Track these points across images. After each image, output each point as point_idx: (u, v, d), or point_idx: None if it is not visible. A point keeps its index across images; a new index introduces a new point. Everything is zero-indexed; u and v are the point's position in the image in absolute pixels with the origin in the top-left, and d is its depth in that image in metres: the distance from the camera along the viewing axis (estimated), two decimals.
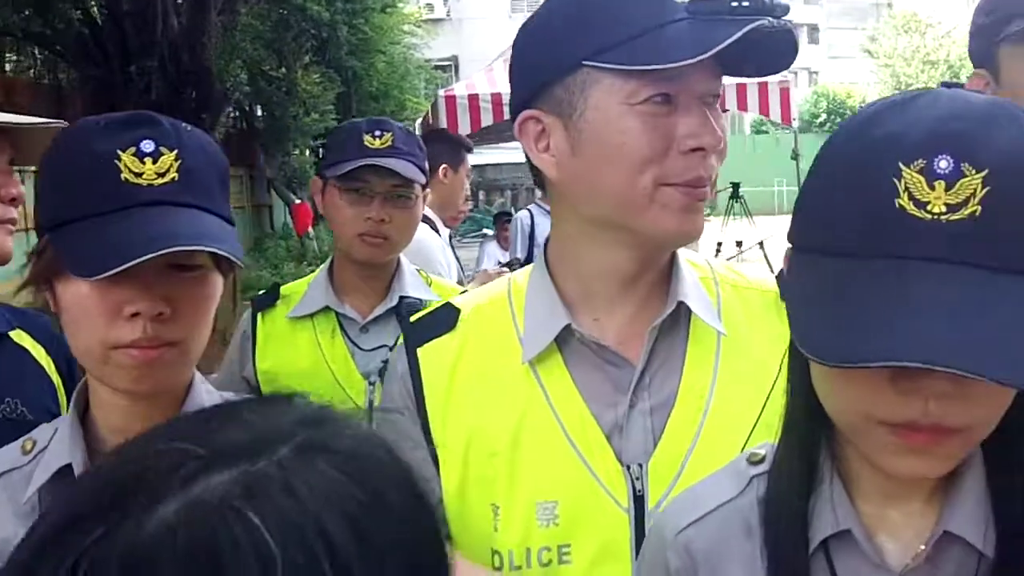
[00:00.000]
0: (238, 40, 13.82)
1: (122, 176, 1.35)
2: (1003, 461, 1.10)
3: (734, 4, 1.33)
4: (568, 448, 1.45)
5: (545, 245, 1.58)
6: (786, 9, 1.33)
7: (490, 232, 12.07)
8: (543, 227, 7.93)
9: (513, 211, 11.29)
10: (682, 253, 1.56)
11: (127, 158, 1.36)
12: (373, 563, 0.66)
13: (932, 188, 0.95)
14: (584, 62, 1.39)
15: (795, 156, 13.80)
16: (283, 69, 17.05)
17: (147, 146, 1.37)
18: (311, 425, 0.72)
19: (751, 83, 11.16)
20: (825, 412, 1.11)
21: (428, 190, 2.77)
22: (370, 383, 2.51)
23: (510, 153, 20.13)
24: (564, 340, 1.49)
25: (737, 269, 1.63)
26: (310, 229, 17.38)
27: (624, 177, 1.39)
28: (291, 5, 15.68)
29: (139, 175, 1.36)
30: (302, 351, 2.56)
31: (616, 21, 1.38)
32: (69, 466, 1.39)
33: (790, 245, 1.11)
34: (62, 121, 1.84)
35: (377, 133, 2.57)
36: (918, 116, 0.99)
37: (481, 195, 29.36)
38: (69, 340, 1.42)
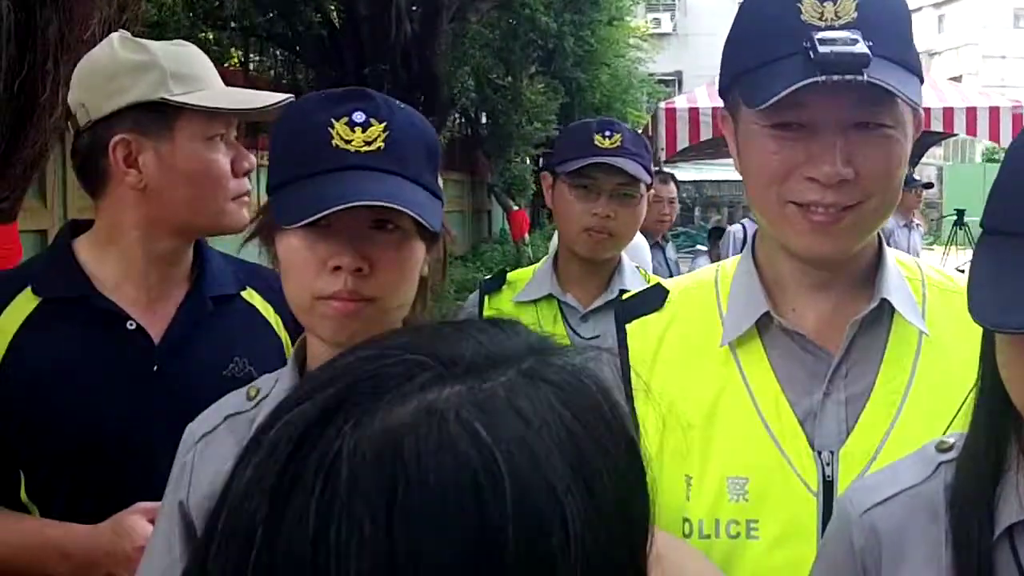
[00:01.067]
0: (467, 48, 14.13)
1: (333, 142, 1.45)
2: None
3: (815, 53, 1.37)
4: (762, 429, 1.51)
5: (755, 237, 1.64)
6: (864, 62, 1.36)
7: (703, 248, 12.00)
8: None
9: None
10: (891, 251, 1.60)
11: (339, 126, 1.46)
12: (597, 517, 0.66)
13: None
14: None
15: None
16: (509, 78, 17.32)
17: (358, 117, 1.47)
18: (537, 353, 0.73)
19: (981, 108, 10.77)
20: (1013, 403, 1.12)
21: (653, 191, 2.90)
22: None
23: (729, 170, 19.92)
24: (764, 327, 1.55)
25: (947, 273, 1.65)
26: (526, 235, 17.61)
27: (755, 192, 1.52)
28: (520, 15, 15.90)
29: (348, 142, 1.46)
30: None
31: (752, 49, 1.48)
32: None
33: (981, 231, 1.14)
34: (290, 96, 2.00)
35: (607, 133, 2.69)
36: None
37: (697, 211, 29.13)
38: (284, 289, 1.54)
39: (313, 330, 1.51)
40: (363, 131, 1.46)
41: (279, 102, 1.98)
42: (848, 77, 1.35)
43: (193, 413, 1.68)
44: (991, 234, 1.10)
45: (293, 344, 2.16)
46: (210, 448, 1.56)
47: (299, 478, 0.64)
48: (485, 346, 0.72)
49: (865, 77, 1.35)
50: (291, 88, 13.26)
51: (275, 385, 1.58)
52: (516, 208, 18.02)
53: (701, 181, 25.23)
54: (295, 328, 2.16)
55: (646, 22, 26.34)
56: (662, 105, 11.21)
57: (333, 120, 1.46)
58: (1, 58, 3.81)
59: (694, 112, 10.65)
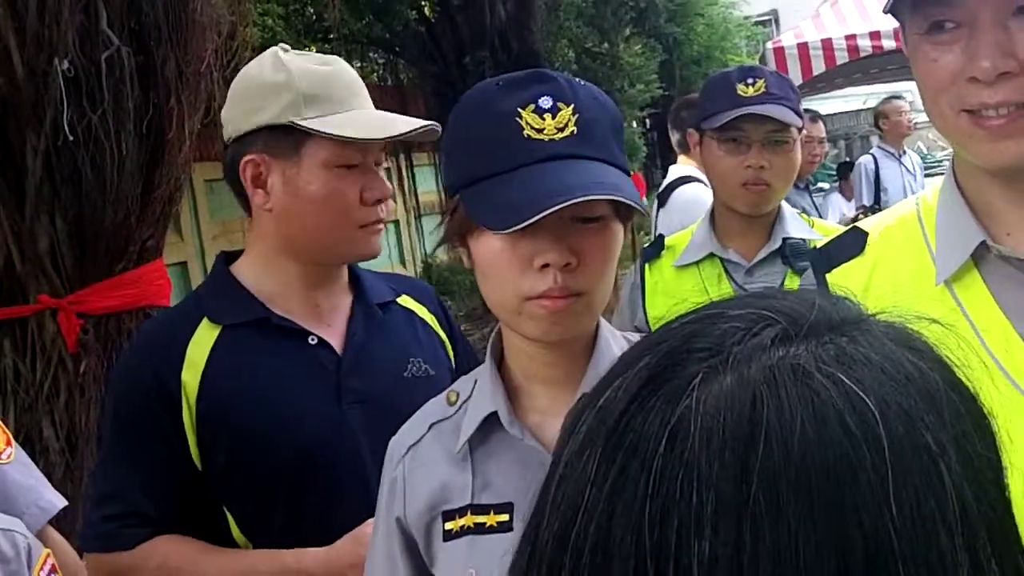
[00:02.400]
0: (562, 20, 14.11)
1: (524, 133, 1.39)
2: None
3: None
4: (996, 370, 1.36)
5: (953, 161, 1.51)
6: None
7: (825, 186, 11.74)
8: (889, 171, 7.69)
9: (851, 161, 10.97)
10: None
11: (528, 115, 1.40)
12: (973, 474, 0.62)
13: None
14: None
15: None
16: (605, 44, 17.21)
17: (545, 102, 1.41)
18: (878, 319, 0.69)
19: None
20: None
21: (804, 132, 2.77)
22: None
23: (842, 102, 19.50)
24: (981, 257, 1.42)
25: None
26: (643, 199, 17.49)
27: (929, 108, 1.40)
28: None
29: (540, 131, 1.40)
30: (690, 297, 2.57)
31: None
32: (495, 413, 1.48)
33: None
34: (434, 123, 1.96)
35: (750, 80, 2.60)
36: None
37: (838, 144, 28.39)
38: (484, 293, 1.49)
39: (520, 330, 1.46)
40: (552, 117, 1.41)
41: (418, 129, 1.96)
42: None
43: (385, 418, 1.69)
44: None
45: (451, 342, 2.22)
46: (419, 459, 1.54)
47: (639, 438, 0.61)
48: (822, 308, 0.67)
49: None
50: (397, 89, 13.40)
51: (475, 386, 1.56)
52: (631, 173, 17.91)
53: (827, 115, 24.69)
54: (449, 328, 2.24)
55: None
56: (769, 46, 10.98)
57: (519, 109, 1.41)
58: (127, 101, 3.94)
59: (803, 48, 10.41)
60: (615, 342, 1.53)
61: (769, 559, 0.56)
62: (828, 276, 1.57)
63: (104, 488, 1.98)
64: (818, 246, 1.67)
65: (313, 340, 2.00)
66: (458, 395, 1.57)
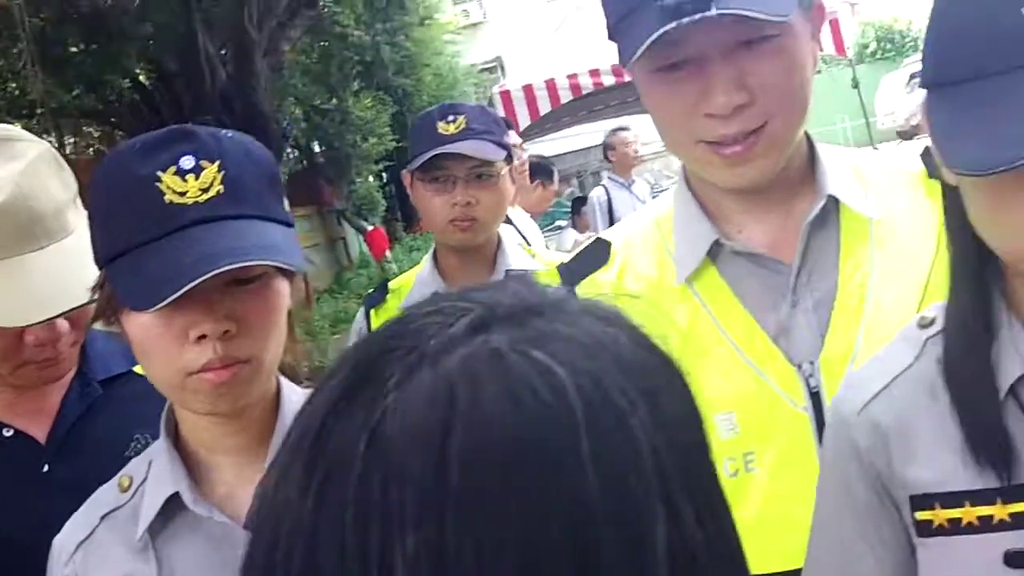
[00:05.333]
0: (286, 79, 13.94)
1: (166, 198, 1.28)
2: None
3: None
4: (737, 357, 1.47)
5: (684, 168, 1.58)
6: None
7: (564, 223, 11.96)
8: (621, 201, 7.89)
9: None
10: (824, 146, 1.55)
11: (168, 178, 1.29)
12: (667, 429, 0.64)
13: None
14: None
15: (855, 84, 14.35)
16: (334, 100, 17.16)
17: (187, 162, 1.30)
18: (572, 296, 0.71)
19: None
20: (990, 260, 1.11)
21: (516, 163, 2.79)
22: None
23: (571, 140, 20.02)
24: (716, 254, 1.52)
25: (877, 157, 1.64)
26: (387, 253, 17.45)
27: (666, 138, 1.49)
28: (332, 35, 15.76)
29: (183, 194, 1.29)
30: None
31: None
32: (176, 494, 1.37)
33: (925, 90, 1.09)
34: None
35: (450, 118, 2.57)
36: None
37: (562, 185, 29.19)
38: (145, 370, 1.38)
39: (188, 406, 1.36)
40: (196, 177, 1.30)
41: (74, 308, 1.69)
42: (697, 17, 1.28)
43: None
44: (936, 88, 1.06)
45: None
46: (92, 556, 1.42)
47: (341, 443, 0.60)
48: (518, 293, 0.68)
49: (714, 11, 1.28)
50: None
51: (150, 467, 1.43)
52: (371, 228, 17.82)
53: (548, 156, 25.34)
54: None
55: (455, 15, 26.36)
56: (495, 90, 11.20)
57: (159, 172, 1.28)
58: None
59: (528, 90, 10.64)
60: (300, 400, 1.43)
61: (473, 541, 0.56)
62: (578, 288, 1.59)
63: None
64: (564, 262, 1.71)
65: (8, 432, 1.82)
66: (131, 479, 1.45)
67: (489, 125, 2.62)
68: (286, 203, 1.44)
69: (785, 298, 1.47)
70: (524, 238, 4.23)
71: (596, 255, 1.64)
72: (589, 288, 1.58)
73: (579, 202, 9.82)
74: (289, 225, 1.41)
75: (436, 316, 0.65)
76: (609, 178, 8.14)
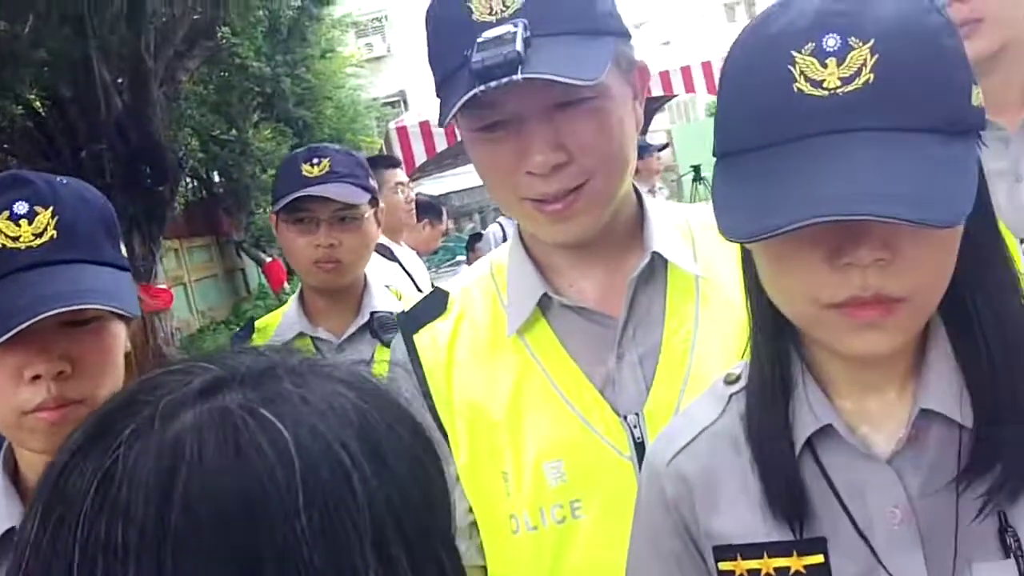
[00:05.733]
0: (184, 109, 13.79)
1: None
2: (964, 333, 1.14)
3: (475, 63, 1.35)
4: (565, 407, 1.51)
5: (519, 224, 1.62)
6: (513, 62, 1.34)
7: (463, 258, 12.02)
8: None
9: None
10: (654, 203, 1.62)
11: (1, 223, 1.33)
12: (390, 484, 0.69)
13: (824, 66, 1.00)
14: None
15: None
16: (233, 131, 16.99)
17: (20, 208, 1.34)
18: (318, 361, 0.77)
19: (695, 65, 11.18)
20: (786, 318, 1.15)
21: (382, 207, 2.83)
22: None
23: (471, 177, 19.98)
24: (547, 307, 1.56)
25: (707, 212, 1.69)
26: (286, 284, 17.30)
27: (493, 195, 1.54)
28: (232, 66, 15.62)
29: (16, 239, 1.33)
30: None
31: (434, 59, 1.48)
32: (13, 529, 1.37)
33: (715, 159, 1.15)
34: None
35: (315, 161, 2.62)
36: (801, 8, 1.04)
37: (451, 224, 29.26)
38: None
39: (25, 445, 1.39)
40: (29, 223, 1.34)
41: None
42: (504, 81, 1.32)
43: None
44: (723, 158, 1.11)
45: None
46: None
47: (74, 490, 0.65)
48: (265, 355, 0.74)
49: (519, 76, 1.32)
50: None
51: None
52: (269, 259, 17.67)
53: (447, 193, 25.38)
54: None
55: (358, 49, 26.32)
56: (392, 125, 11.17)
57: None
58: None
59: (425, 126, 10.65)
60: None
61: None
62: (415, 336, 1.65)
63: None
64: (404, 311, 1.75)
65: None
66: None
67: (353, 168, 2.67)
68: (123, 248, 1.47)
69: (612, 351, 1.51)
70: (410, 276, 4.27)
71: (434, 304, 1.68)
72: (427, 338, 1.63)
73: (475, 238, 9.90)
74: (125, 269, 1.44)
75: (177, 375, 0.70)
76: (503, 215, 8.22)
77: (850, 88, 0.99)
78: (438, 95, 1.46)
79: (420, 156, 10.69)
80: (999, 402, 1.11)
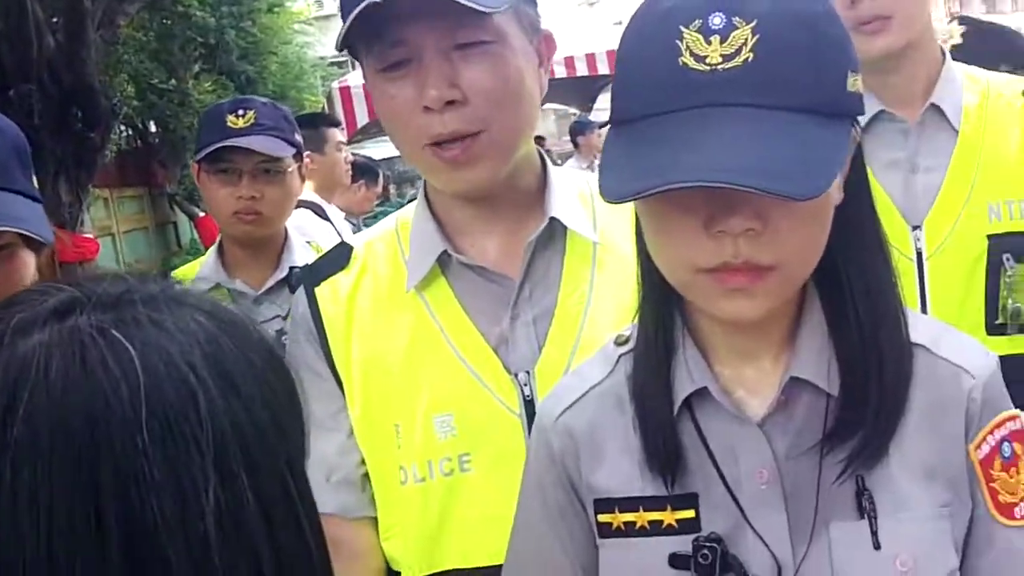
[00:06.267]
0: (121, 54, 13.43)
1: None
2: (837, 306, 1.22)
3: None
4: (458, 363, 1.58)
5: (425, 182, 1.68)
6: None
7: None
8: None
9: None
10: (557, 170, 1.64)
11: None
12: (237, 405, 0.72)
13: (709, 43, 1.04)
14: None
15: None
16: (173, 80, 16.62)
17: None
18: (177, 289, 0.80)
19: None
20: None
21: (308, 160, 2.90)
22: None
23: None
24: (446, 265, 1.63)
25: None
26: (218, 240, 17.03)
27: (395, 140, 1.60)
28: (174, 13, 15.27)
29: None
30: None
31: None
32: None
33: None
34: None
35: (240, 112, 2.60)
36: None
37: (392, 189, 28.96)
38: None
39: None
40: None
41: None
42: None
43: None
44: (616, 125, 1.16)
45: None
46: None
47: None
48: (124, 280, 0.76)
49: None
50: None
51: None
52: (202, 214, 17.35)
53: (391, 158, 25.15)
54: None
55: (308, 5, 25.93)
56: (335, 85, 10.96)
57: None
58: None
59: (367, 88, 10.42)
60: None
61: (27, 488, 0.64)
62: (316, 289, 1.69)
63: None
64: (308, 264, 1.83)
65: None
66: None
67: (279, 121, 2.65)
68: (35, 181, 1.48)
69: (507, 311, 1.58)
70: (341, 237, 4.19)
71: (337, 258, 1.72)
72: (328, 290, 1.67)
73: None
74: (37, 200, 1.45)
75: (35, 295, 0.73)
76: None
77: (730, 65, 1.04)
78: (343, 20, 1.46)
79: (363, 118, 10.48)
80: (864, 373, 1.20)
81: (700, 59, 1.05)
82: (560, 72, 10.19)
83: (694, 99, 1.05)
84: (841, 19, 1.13)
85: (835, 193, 1.15)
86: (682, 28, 1.06)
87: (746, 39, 1.03)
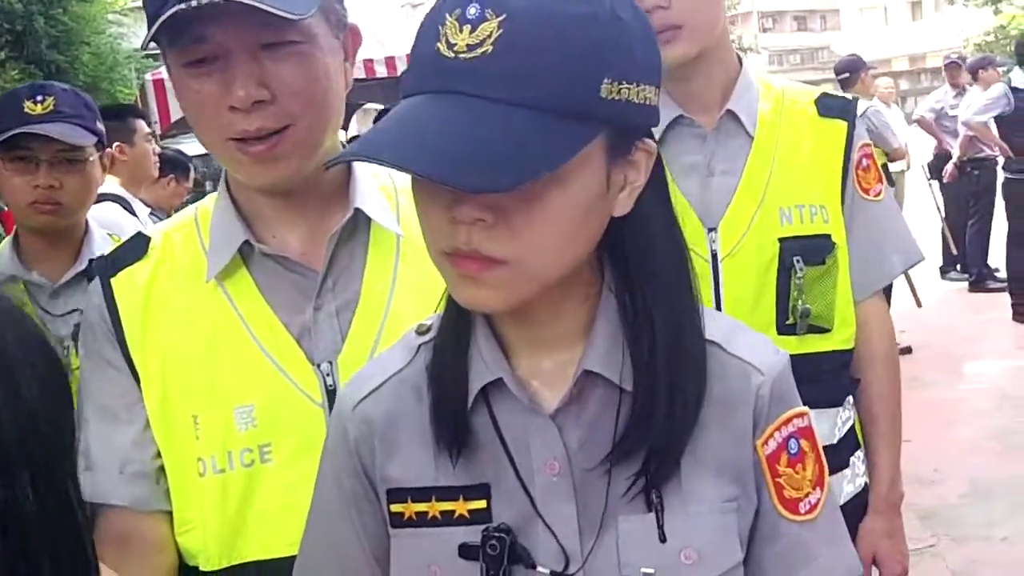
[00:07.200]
0: None
1: None
2: (630, 304, 1.22)
3: None
4: (259, 354, 1.56)
5: (226, 172, 1.64)
6: None
7: None
8: None
9: None
10: (363, 165, 1.65)
11: None
12: (19, 409, 0.70)
13: (461, 31, 1.06)
14: None
15: None
16: None
17: None
18: None
19: None
20: None
21: (114, 149, 2.87)
22: (64, 347, 2.49)
23: None
24: (248, 256, 1.60)
25: None
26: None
27: (199, 135, 1.55)
28: None
29: None
30: None
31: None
32: None
33: None
34: None
35: (38, 98, 2.50)
36: None
37: (208, 185, 28.24)
38: None
39: None
40: None
41: None
42: (205, 1, 1.34)
43: None
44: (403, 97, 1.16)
45: None
46: None
47: None
48: None
49: None
50: None
51: None
52: (5, 208, 16.67)
53: (207, 155, 24.57)
54: None
55: None
56: (148, 77, 10.65)
57: None
58: None
59: None
60: None
61: None
62: (113, 280, 1.64)
63: None
64: (103, 254, 1.74)
65: None
66: None
67: (80, 109, 2.56)
68: None
69: (310, 302, 1.57)
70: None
71: (135, 248, 1.67)
72: (125, 280, 1.62)
73: None
74: None
75: None
76: None
77: (471, 55, 1.05)
78: (149, 24, 1.43)
79: (176, 113, 10.22)
80: (657, 370, 1.19)
81: (451, 46, 1.07)
82: (381, 72, 10.10)
83: (438, 83, 1.08)
84: (623, 26, 1.12)
85: (608, 197, 1.16)
86: (447, 15, 1.08)
87: (491, 32, 1.05)
